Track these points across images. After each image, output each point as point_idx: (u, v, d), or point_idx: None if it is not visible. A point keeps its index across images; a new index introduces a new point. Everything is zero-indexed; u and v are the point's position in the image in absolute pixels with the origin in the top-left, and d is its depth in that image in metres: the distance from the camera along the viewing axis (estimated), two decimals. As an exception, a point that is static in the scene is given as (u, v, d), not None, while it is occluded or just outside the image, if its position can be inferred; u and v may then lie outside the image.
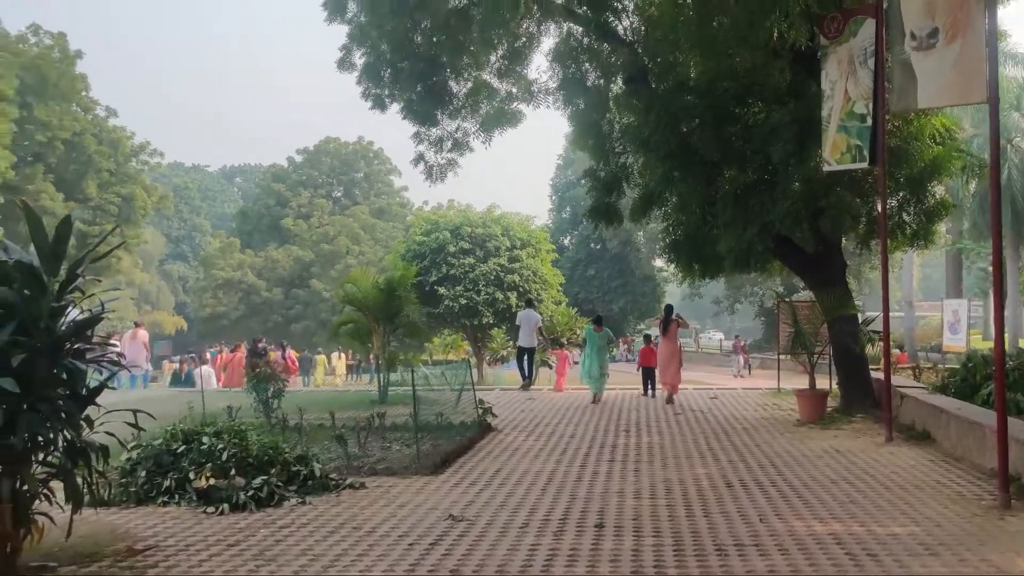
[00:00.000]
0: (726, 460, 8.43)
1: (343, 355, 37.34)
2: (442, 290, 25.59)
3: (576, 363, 20.70)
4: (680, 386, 14.12)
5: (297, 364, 27.85)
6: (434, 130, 14.94)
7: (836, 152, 9.69)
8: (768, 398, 14.17)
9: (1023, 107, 28.17)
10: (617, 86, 14.06)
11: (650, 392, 14.74)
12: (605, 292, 52.46)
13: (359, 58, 15.03)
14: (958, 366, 11.33)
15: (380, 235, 60.33)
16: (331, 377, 35.65)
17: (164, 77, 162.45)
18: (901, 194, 11.43)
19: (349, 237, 58.01)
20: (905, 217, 11.64)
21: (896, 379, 12.36)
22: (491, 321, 25.85)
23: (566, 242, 56.97)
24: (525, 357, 16.72)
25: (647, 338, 16.70)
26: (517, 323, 16.41)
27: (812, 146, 10.48)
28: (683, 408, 12.75)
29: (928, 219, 11.48)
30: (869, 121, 9.33)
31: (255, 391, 8.96)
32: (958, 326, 30.41)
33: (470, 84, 15.39)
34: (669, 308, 15.42)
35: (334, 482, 7.20)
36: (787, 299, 12.78)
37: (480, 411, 10.58)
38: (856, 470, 7.75)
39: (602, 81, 14.24)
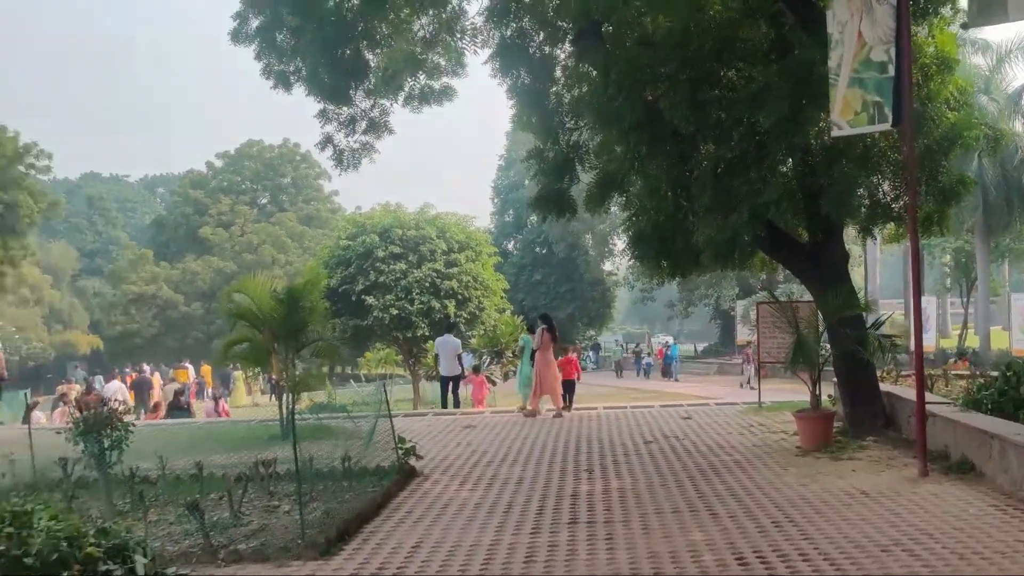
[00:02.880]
0: (726, 515, 6.50)
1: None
2: (370, 299, 23.36)
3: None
4: (649, 403, 12.56)
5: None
6: (345, 108, 12.80)
7: (848, 112, 7.92)
8: (750, 416, 12.40)
9: (992, 91, 27.46)
10: (565, 52, 12.16)
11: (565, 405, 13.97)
12: (552, 298, 50.69)
13: (256, 27, 12.85)
14: (994, 374, 9.68)
15: (309, 243, 57.33)
16: (254, 397, 33.02)
17: (83, 79, 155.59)
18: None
19: (275, 246, 55.00)
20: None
21: (900, 390, 10.70)
22: (426, 333, 23.68)
23: (510, 246, 55.19)
24: (449, 386, 15.04)
25: (564, 349, 16.47)
26: (435, 351, 15.42)
27: (810, 109, 8.71)
28: (655, 436, 10.83)
29: (944, 200, 9.83)
30: (891, 70, 7.58)
31: (82, 441, 6.67)
32: (927, 324, 29.73)
33: (390, 55, 13.34)
34: (545, 317, 14.85)
35: (168, 584, 5.02)
36: (777, 299, 10.96)
37: (401, 451, 8.44)
38: (904, 525, 5.90)
39: (548, 48, 12.32)
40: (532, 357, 13.96)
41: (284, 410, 11.48)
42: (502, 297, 27.18)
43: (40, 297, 58.93)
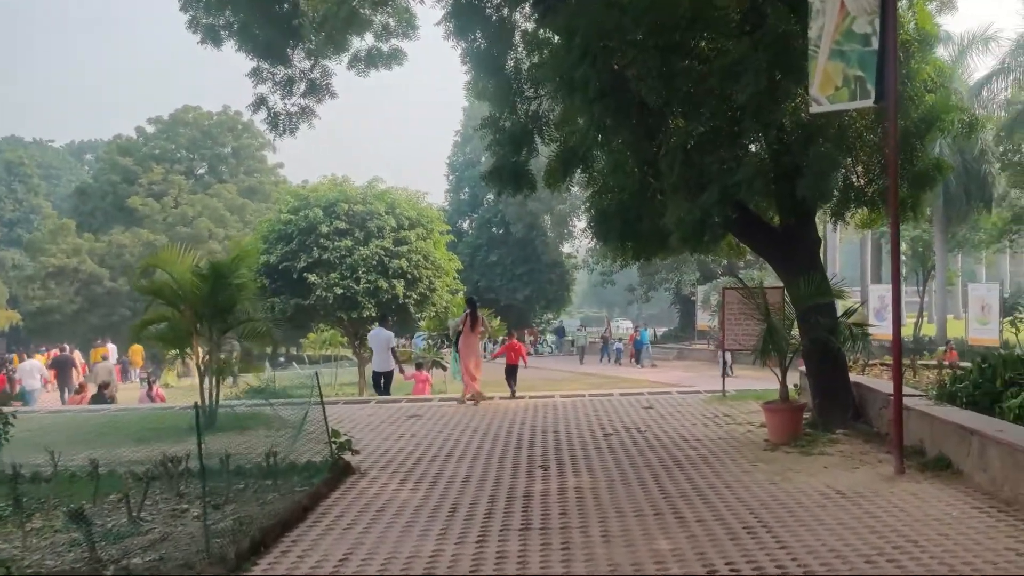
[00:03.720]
0: (693, 518, 6.19)
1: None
2: (313, 278, 22.62)
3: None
4: (608, 391, 12.29)
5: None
6: (282, 68, 12.15)
7: (828, 86, 7.62)
8: (714, 406, 12.20)
9: (955, 82, 27.72)
10: (525, 15, 11.69)
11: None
12: (509, 280, 50.36)
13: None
14: (970, 365, 9.56)
15: (251, 217, 55.77)
16: (189, 379, 31.98)
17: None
18: (886, 153, 9.54)
19: (212, 219, 53.33)
20: (888, 182, 9.75)
21: (870, 381, 10.59)
22: (373, 314, 23.05)
23: (465, 226, 54.56)
24: (381, 382, 14.58)
25: (511, 333, 15.93)
26: (369, 344, 15.26)
27: (787, 83, 8.42)
28: (615, 427, 10.53)
29: (919, 185, 9.67)
30: (875, 43, 7.31)
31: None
32: (884, 312, 30.17)
33: (331, 11, 12.71)
34: (469, 300, 15.19)
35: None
36: (745, 284, 10.71)
37: (334, 445, 7.95)
38: (886, 531, 5.66)
39: (506, 9, 11.84)
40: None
41: (207, 397, 10.88)
42: (455, 278, 26.66)
43: (-50, 268, 56.36)
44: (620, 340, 40.62)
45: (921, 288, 37.48)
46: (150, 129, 61.63)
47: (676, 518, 6.22)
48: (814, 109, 7.86)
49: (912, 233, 33.93)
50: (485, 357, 17.15)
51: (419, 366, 17.25)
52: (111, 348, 33.59)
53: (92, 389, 18.58)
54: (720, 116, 8.97)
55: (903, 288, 39.08)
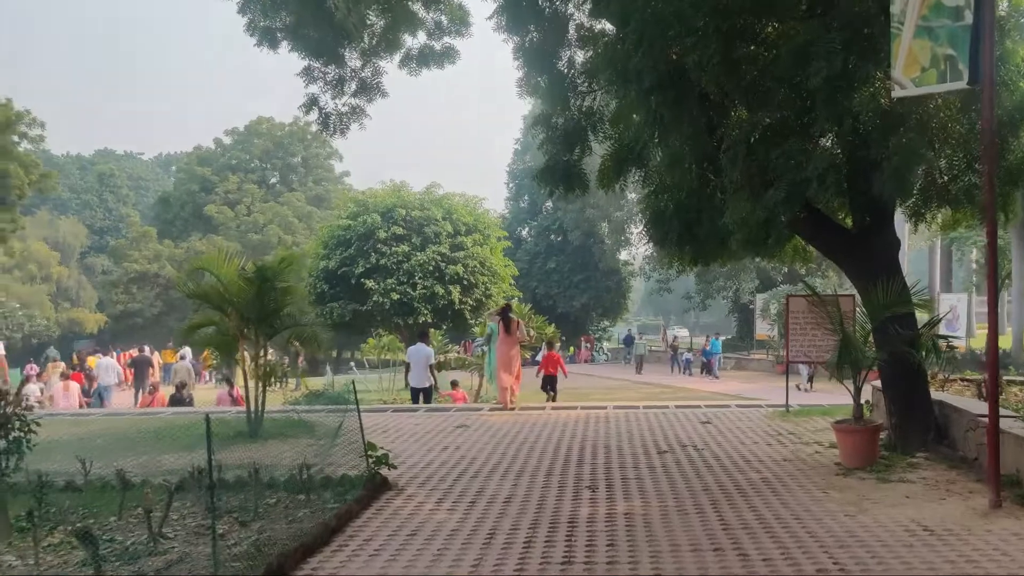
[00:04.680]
0: (759, 556, 5.27)
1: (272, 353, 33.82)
2: (370, 283, 22.25)
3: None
4: (665, 403, 11.41)
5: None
6: (333, 67, 11.61)
7: (914, 67, 6.59)
8: (777, 422, 11.13)
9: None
10: (578, 6, 10.88)
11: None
12: (566, 287, 49.43)
13: (240, -24, 11.74)
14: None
15: (317, 224, 56.38)
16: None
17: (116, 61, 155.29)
18: (974, 145, 8.39)
19: (282, 226, 54.06)
20: (975, 179, 8.60)
21: (953, 399, 9.38)
22: (429, 319, 22.51)
23: (524, 233, 53.90)
24: (420, 398, 14.39)
25: (550, 344, 16.17)
26: (407, 359, 15.06)
27: (865, 66, 7.38)
28: (670, 444, 9.59)
29: (1011, 182, 8.45)
30: (968, 18, 6.27)
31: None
32: (956, 323, 28.25)
33: (387, 12, 12.18)
34: (508, 307, 14.69)
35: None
36: (815, 291, 9.64)
37: (371, 460, 7.25)
38: (989, 583, 4.65)
39: (560, 3, 11.06)
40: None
41: (255, 403, 10.36)
42: (511, 284, 26.01)
43: (48, 274, 58.39)
44: (690, 350, 37.94)
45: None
46: (227, 140, 62.95)
47: (738, 555, 5.30)
48: (897, 93, 6.83)
49: (985, 239, 31.79)
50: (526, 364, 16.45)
51: (454, 384, 16.64)
52: (187, 350, 34.04)
53: (166, 390, 18.48)
54: (788, 106, 7.98)
55: (973, 298, 36.27)
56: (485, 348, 15.96)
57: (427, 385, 14.61)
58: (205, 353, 35.26)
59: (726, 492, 7.07)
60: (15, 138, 32.28)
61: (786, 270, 39.87)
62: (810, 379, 22.34)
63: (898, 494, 6.85)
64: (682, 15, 8.05)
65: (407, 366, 15.02)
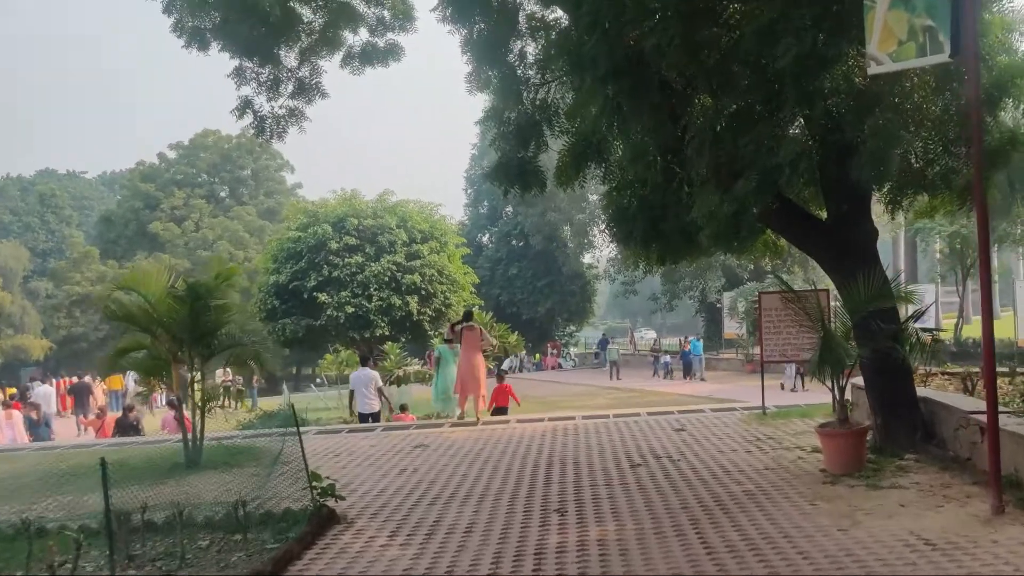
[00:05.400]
0: (749, 585, 4.77)
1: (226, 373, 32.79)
2: (323, 297, 21.49)
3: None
4: (636, 411, 10.99)
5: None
6: (268, 68, 10.97)
7: (891, 41, 6.19)
8: (754, 426, 10.70)
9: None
10: (528, -2, 10.38)
11: None
12: (530, 293, 49.02)
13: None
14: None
15: (270, 238, 55.23)
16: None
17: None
18: (950, 127, 8.06)
19: (232, 242, 52.76)
20: (951, 162, 8.27)
21: (938, 395, 9.02)
22: (386, 332, 21.83)
23: (484, 239, 53.40)
24: (370, 422, 13.95)
25: (501, 375, 15.85)
26: (351, 386, 14.78)
27: (838, 44, 6.98)
28: (644, 456, 9.08)
29: (989, 163, 8.11)
30: (948, -16, 5.89)
31: None
32: (925, 315, 28.32)
33: (324, 8, 11.58)
34: (469, 314, 14.94)
35: None
36: (789, 287, 9.24)
37: (316, 492, 6.61)
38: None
39: (510, -10, 10.55)
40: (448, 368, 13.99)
41: (194, 431, 9.62)
42: (472, 292, 25.43)
43: (-13, 300, 56.29)
44: (667, 353, 36.91)
45: (960, 288, 35.45)
46: (171, 155, 61.44)
47: (727, 585, 4.80)
48: (873, 70, 6.42)
49: (949, 229, 32.01)
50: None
51: (403, 408, 16.20)
52: (130, 375, 32.94)
53: (108, 422, 17.73)
54: (755, 89, 7.53)
55: (939, 289, 36.20)
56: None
57: (375, 409, 14.08)
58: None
59: (707, 509, 6.58)
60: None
61: (752, 267, 39.86)
62: (801, 376, 21.53)
63: (892, 502, 6.42)
64: (639, -2, 7.59)
65: (351, 393, 14.57)
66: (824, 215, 8.87)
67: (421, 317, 22.47)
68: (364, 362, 15.58)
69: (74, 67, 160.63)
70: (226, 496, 7.48)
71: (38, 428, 19.17)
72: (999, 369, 12.39)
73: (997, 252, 42.44)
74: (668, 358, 34.96)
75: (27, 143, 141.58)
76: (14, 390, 29.44)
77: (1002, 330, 31.09)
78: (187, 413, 16.87)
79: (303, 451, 7.02)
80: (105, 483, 4.55)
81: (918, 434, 8.16)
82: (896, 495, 6.62)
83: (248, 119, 10.98)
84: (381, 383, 14.88)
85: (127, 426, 16.48)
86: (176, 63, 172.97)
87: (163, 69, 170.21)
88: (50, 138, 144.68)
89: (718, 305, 42.13)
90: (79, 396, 25.59)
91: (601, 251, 51.49)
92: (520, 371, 42.61)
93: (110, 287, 10.76)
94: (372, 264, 22.10)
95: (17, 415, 18.44)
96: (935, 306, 40.10)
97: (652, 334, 67.96)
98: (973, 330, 33.11)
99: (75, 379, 30.05)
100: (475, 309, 24.70)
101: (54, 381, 30.84)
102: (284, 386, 35.03)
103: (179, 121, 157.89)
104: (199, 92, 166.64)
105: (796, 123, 8.15)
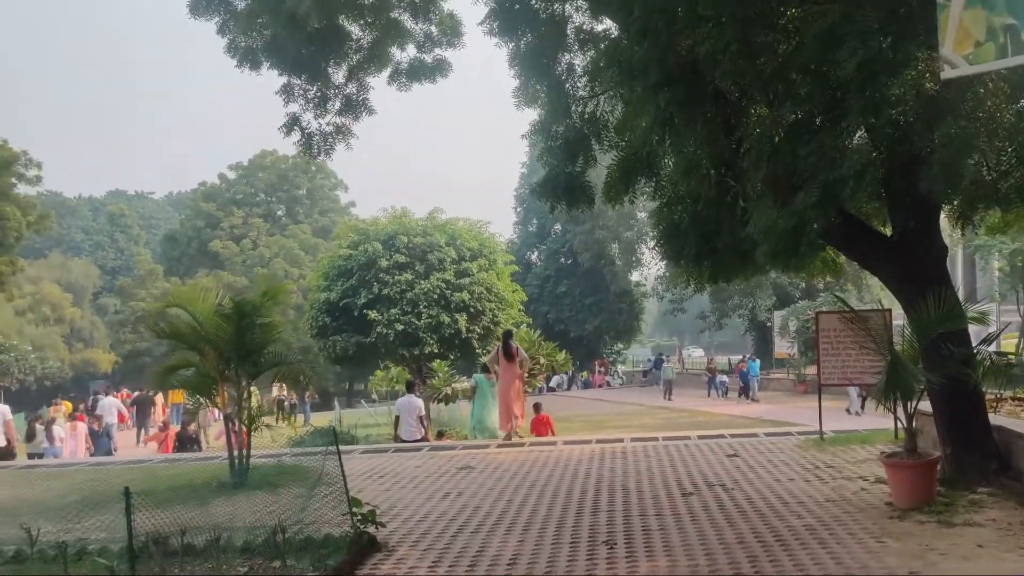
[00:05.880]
0: (817, 635, 4.27)
1: (281, 388, 32.99)
2: (373, 314, 21.34)
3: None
4: (687, 433, 10.53)
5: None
6: (316, 85, 10.86)
7: (966, 43, 5.67)
8: (812, 452, 10.09)
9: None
10: (575, 6, 10.08)
11: None
12: (578, 311, 48.47)
13: (218, -3, 11.07)
14: None
15: (321, 256, 55.86)
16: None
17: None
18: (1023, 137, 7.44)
19: (287, 259, 53.45)
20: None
21: (1008, 422, 8.33)
22: (435, 350, 21.59)
23: (533, 257, 53.13)
24: None
25: (536, 407, 15.45)
26: (396, 411, 14.74)
27: (906, 48, 6.47)
28: (696, 483, 8.57)
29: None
30: (1030, -22, 5.36)
31: None
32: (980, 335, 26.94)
33: (373, 25, 11.45)
34: (508, 333, 15.20)
35: None
36: (850, 306, 8.65)
37: (356, 519, 6.30)
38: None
39: (557, 2, 10.27)
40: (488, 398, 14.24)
41: (240, 449, 9.45)
42: (520, 310, 25.06)
43: (61, 315, 58.16)
44: (724, 373, 35.46)
45: (1021, 307, 33.80)
46: (231, 175, 62.70)
47: (793, 636, 4.31)
48: (947, 74, 5.89)
49: (1012, 246, 30.57)
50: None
51: (441, 435, 16.03)
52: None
53: (171, 434, 18.04)
54: (816, 98, 7.06)
55: (998, 308, 34.51)
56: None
57: (418, 438, 13.87)
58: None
59: (765, 545, 6.07)
60: (13, 180, 31.80)
61: (804, 285, 38.71)
62: (863, 400, 20.27)
63: (967, 542, 5.83)
64: (691, 3, 7.20)
65: (396, 419, 14.38)
66: (888, 231, 8.29)
67: (470, 335, 22.18)
68: (410, 388, 15.44)
69: (145, 90, 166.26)
70: (267, 519, 7.26)
71: (99, 438, 19.62)
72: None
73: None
74: (725, 378, 33.79)
75: (98, 165, 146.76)
76: (69, 405, 30.14)
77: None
78: (236, 428, 16.96)
79: (344, 476, 6.73)
80: (128, 513, 4.32)
81: (992, 466, 7.50)
82: (972, 534, 6.01)
83: (296, 136, 10.84)
84: (424, 411, 14.80)
85: (186, 439, 16.86)
86: (238, 85, 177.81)
87: (227, 91, 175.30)
88: (120, 160, 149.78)
89: (768, 324, 41.00)
90: (141, 408, 25.99)
91: (649, 269, 50.82)
92: (568, 388, 42.10)
93: (160, 305, 10.70)
94: (421, 282, 21.92)
95: (82, 427, 18.85)
96: (996, 325, 38.06)
97: (699, 352, 66.64)
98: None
99: (136, 392, 30.51)
100: (523, 327, 24.37)
101: (114, 393, 31.38)
102: (336, 402, 35.13)
103: (241, 140, 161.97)
104: (258, 113, 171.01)
105: (859, 133, 7.65)
